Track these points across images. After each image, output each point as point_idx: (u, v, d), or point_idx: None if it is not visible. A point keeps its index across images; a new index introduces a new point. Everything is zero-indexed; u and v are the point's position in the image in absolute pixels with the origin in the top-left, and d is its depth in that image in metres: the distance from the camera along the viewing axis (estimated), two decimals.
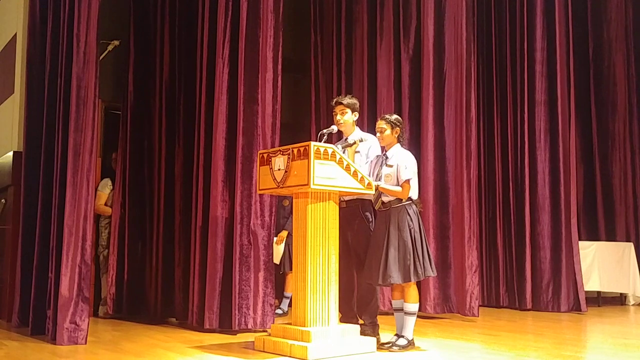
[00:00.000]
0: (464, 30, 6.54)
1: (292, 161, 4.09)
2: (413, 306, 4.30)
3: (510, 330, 5.64)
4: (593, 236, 8.49)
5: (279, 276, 6.22)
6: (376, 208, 4.47)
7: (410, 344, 4.32)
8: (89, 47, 4.64)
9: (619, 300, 7.96)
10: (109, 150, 6.47)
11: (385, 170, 4.41)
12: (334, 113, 4.80)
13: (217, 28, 5.21)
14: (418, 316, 4.51)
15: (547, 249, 7.12)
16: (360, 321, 4.67)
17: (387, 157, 4.46)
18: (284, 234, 6.39)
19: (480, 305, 6.38)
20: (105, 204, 6.18)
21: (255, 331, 4.88)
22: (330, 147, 4.10)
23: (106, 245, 6.12)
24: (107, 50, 6.53)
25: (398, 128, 4.48)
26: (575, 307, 6.88)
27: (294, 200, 4.28)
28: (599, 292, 7.62)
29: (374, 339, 4.30)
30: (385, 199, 4.37)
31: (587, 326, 6.10)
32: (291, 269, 6.03)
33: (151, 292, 5.95)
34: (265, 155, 4.37)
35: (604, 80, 8.90)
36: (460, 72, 6.51)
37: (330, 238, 4.15)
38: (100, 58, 5.55)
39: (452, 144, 6.47)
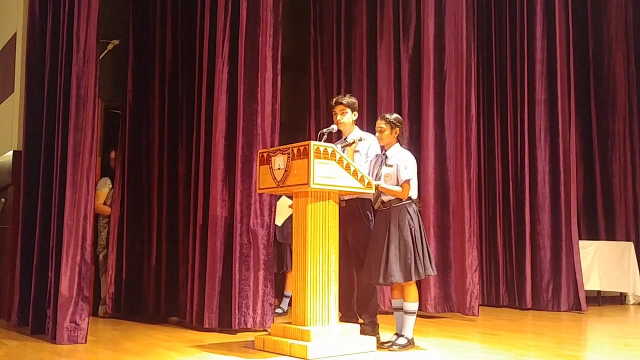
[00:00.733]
0: (464, 29, 6.54)
1: (292, 160, 4.09)
2: (413, 305, 4.30)
3: (510, 329, 5.64)
4: (593, 236, 8.50)
5: (278, 275, 6.21)
6: (376, 207, 4.46)
7: (410, 343, 4.32)
8: (89, 46, 4.64)
9: (618, 300, 7.96)
10: (108, 150, 6.47)
11: (385, 170, 4.40)
12: (333, 113, 4.80)
13: (216, 27, 5.21)
14: (418, 315, 4.51)
15: (547, 248, 7.12)
16: (360, 320, 4.67)
17: (386, 157, 4.46)
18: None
19: (480, 305, 6.38)
20: (104, 203, 6.18)
21: (255, 330, 4.88)
22: (330, 147, 4.09)
23: (105, 245, 6.10)
24: (107, 49, 6.53)
25: (397, 128, 4.48)
26: (575, 307, 6.88)
27: (293, 199, 4.28)
28: (599, 292, 7.62)
29: (373, 338, 4.29)
30: (385, 198, 4.37)
31: (587, 325, 6.10)
32: (291, 268, 6.04)
33: (151, 292, 5.95)
34: (265, 154, 4.37)
35: (604, 79, 8.90)
36: (460, 72, 6.51)
37: (330, 237, 4.15)
38: (100, 57, 5.55)
39: (452, 143, 6.47)
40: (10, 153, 5.97)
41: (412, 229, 4.26)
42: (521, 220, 7.31)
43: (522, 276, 7.17)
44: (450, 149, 6.47)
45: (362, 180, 4.20)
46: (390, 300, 4.73)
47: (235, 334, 4.88)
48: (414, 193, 4.37)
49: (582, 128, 8.75)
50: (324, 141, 4.22)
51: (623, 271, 7.80)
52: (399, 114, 5.11)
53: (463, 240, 6.24)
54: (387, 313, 5.71)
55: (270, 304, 5.05)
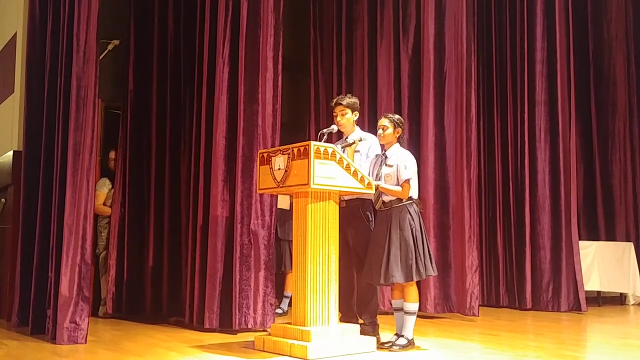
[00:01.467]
0: (464, 29, 6.54)
1: (292, 161, 4.09)
2: (413, 306, 4.30)
3: (510, 330, 5.64)
4: (593, 236, 8.49)
5: (279, 276, 6.21)
6: (377, 208, 4.46)
7: (410, 343, 4.32)
8: (89, 47, 4.64)
9: (619, 300, 7.96)
10: (107, 150, 6.46)
11: (385, 170, 4.41)
12: (333, 114, 4.80)
13: (217, 27, 5.21)
14: (418, 316, 4.51)
15: (547, 248, 7.11)
16: (360, 321, 4.67)
17: (386, 157, 4.46)
18: None
19: (480, 305, 6.38)
20: (104, 204, 6.17)
21: (255, 331, 4.88)
22: (330, 147, 4.09)
23: (105, 246, 6.09)
24: (107, 49, 6.53)
25: (400, 128, 4.48)
26: (575, 307, 6.88)
27: (294, 199, 4.28)
28: (599, 292, 7.62)
29: (374, 339, 4.29)
30: (385, 198, 4.37)
31: (587, 326, 6.10)
32: (290, 268, 6.04)
33: (151, 292, 5.95)
34: (265, 154, 4.37)
35: (604, 80, 8.90)
36: (460, 72, 6.51)
37: (330, 238, 4.15)
38: (100, 57, 5.55)
39: (452, 144, 6.47)
40: (10, 153, 5.97)
41: (413, 229, 4.26)
42: (521, 220, 7.31)
43: (522, 276, 7.17)
44: (450, 150, 6.47)
45: (362, 180, 4.20)
46: (390, 301, 4.73)
47: (236, 334, 4.88)
48: (414, 193, 4.37)
49: (582, 128, 8.75)
50: (324, 141, 4.22)
51: (623, 272, 7.80)
52: (398, 114, 5.11)
53: (463, 241, 6.24)
54: (387, 313, 5.71)
55: (271, 304, 5.05)
